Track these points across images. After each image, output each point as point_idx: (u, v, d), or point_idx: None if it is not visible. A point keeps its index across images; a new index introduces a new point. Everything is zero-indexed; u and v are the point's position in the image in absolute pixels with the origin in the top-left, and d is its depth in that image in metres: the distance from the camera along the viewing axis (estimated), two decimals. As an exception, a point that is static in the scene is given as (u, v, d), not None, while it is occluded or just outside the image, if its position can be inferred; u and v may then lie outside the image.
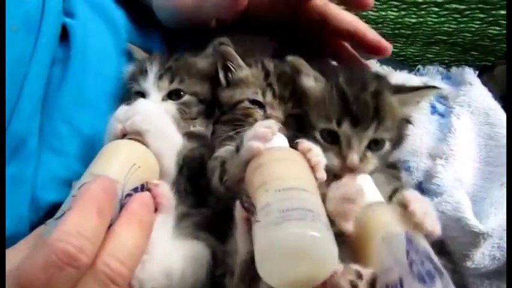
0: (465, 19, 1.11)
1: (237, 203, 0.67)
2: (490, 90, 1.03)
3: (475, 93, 1.01)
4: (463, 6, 1.11)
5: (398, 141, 0.87)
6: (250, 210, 0.63)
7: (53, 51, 0.97)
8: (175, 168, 0.82)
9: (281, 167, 0.68)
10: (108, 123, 0.84)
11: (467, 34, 1.12)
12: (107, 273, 0.57)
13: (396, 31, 1.14)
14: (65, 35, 0.99)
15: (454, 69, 1.08)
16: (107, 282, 0.57)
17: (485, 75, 1.04)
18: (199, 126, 0.93)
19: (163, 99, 0.93)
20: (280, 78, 0.92)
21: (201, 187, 0.83)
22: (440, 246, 0.81)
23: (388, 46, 0.92)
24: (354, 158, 0.78)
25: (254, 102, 0.90)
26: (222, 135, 0.87)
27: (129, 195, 0.71)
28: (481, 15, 1.11)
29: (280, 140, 0.74)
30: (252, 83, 0.92)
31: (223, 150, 0.82)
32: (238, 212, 0.66)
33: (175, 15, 1.02)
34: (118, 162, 0.74)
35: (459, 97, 1.01)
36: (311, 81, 0.87)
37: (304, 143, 0.72)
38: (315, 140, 0.79)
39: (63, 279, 0.53)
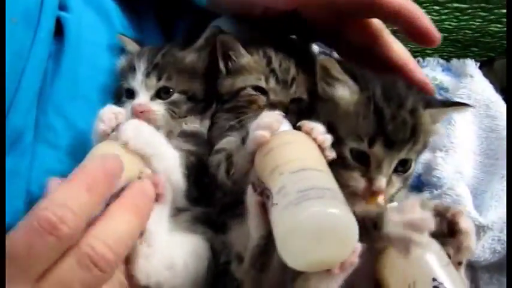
0: (466, 17, 1.12)
1: (249, 188, 0.66)
2: (490, 83, 1.03)
3: (475, 85, 1.01)
4: (464, 5, 1.11)
5: None
6: (264, 194, 0.63)
7: (49, 45, 0.97)
8: (184, 179, 0.81)
9: (291, 149, 0.67)
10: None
11: (468, 31, 1.12)
12: (90, 255, 0.56)
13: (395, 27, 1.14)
14: (57, 29, 0.99)
15: (454, 61, 1.07)
16: (88, 264, 0.56)
17: (484, 68, 1.04)
18: (190, 123, 0.93)
19: (151, 99, 0.91)
20: (282, 64, 0.91)
21: (206, 186, 0.83)
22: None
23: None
24: (382, 182, 0.72)
25: (257, 88, 0.88)
26: (225, 125, 0.87)
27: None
28: (483, 14, 1.11)
29: (285, 126, 0.73)
30: (254, 69, 0.90)
31: (226, 142, 0.81)
32: (251, 196, 0.65)
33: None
34: None
35: (459, 89, 1.01)
36: (345, 90, 0.77)
37: (306, 124, 0.71)
38: (343, 157, 0.73)
39: (43, 247, 0.53)
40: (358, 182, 0.72)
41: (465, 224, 0.66)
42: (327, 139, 0.69)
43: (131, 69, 0.94)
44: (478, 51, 1.10)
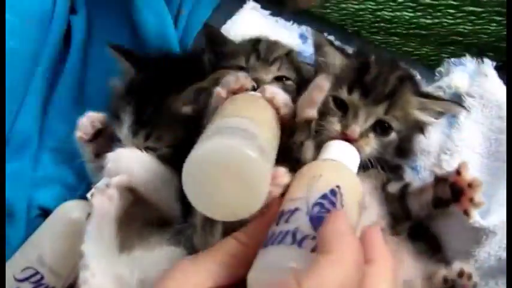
0: (481, 21, 1.10)
1: None
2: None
3: (489, 85, 0.98)
4: (480, 9, 1.10)
5: (404, 148, 0.87)
6: None
7: (58, 48, 0.99)
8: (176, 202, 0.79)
9: (235, 103, 0.67)
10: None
11: (483, 35, 1.10)
12: None
13: (411, 31, 1.14)
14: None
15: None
16: None
17: (500, 73, 1.00)
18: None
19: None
20: (269, 46, 0.93)
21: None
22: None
23: None
24: (355, 128, 0.79)
25: (237, 69, 0.88)
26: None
27: None
28: (498, 18, 1.10)
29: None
30: (237, 53, 0.93)
31: None
32: None
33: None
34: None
35: (472, 87, 0.98)
36: (333, 57, 0.89)
37: (264, 86, 0.71)
38: (326, 105, 0.82)
39: None
40: (335, 125, 0.80)
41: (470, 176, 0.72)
42: (279, 97, 0.69)
43: (117, 115, 0.87)
44: (493, 56, 1.07)
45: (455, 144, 0.94)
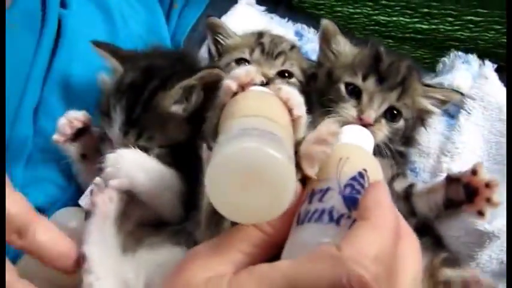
0: (479, 29, 1.10)
1: (204, 145, 0.63)
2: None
3: (489, 87, 0.98)
4: (478, 18, 1.10)
5: (409, 136, 0.90)
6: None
7: (51, 47, 0.96)
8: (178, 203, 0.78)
9: (252, 100, 0.64)
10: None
11: (480, 42, 1.10)
12: None
13: (406, 35, 1.13)
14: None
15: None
16: None
17: (500, 73, 1.02)
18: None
19: None
20: (274, 40, 0.93)
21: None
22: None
23: None
24: (371, 113, 0.83)
25: (240, 61, 0.91)
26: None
27: None
28: (497, 27, 1.10)
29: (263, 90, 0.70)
30: (240, 46, 0.93)
31: None
32: (204, 152, 0.63)
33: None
34: None
35: (473, 89, 0.98)
36: (346, 46, 0.94)
37: (277, 85, 0.68)
38: (337, 92, 0.87)
39: None
40: (350, 111, 0.84)
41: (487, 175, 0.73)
42: (293, 97, 0.65)
43: (107, 115, 0.83)
44: (492, 60, 1.08)
45: (455, 147, 0.94)
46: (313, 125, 0.66)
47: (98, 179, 0.75)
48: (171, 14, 1.12)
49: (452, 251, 0.81)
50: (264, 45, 0.93)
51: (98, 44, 0.88)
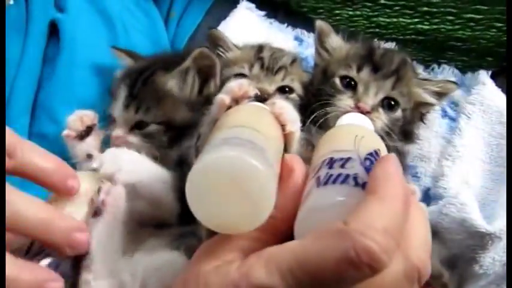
0: (480, 27, 1.09)
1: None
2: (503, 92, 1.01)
3: (488, 92, 0.99)
4: (479, 16, 1.09)
5: (408, 131, 0.91)
6: None
7: (41, 49, 0.97)
8: (177, 203, 0.78)
9: (242, 113, 0.65)
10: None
11: (482, 41, 1.09)
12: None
13: (407, 36, 1.13)
14: (56, 32, 1.00)
15: (469, 74, 1.07)
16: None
17: (499, 78, 1.03)
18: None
19: (130, 130, 0.90)
20: (274, 54, 0.93)
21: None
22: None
23: None
24: (367, 101, 0.86)
25: (239, 76, 0.90)
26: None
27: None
28: (498, 24, 1.09)
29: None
30: (240, 60, 0.94)
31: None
32: None
33: None
34: None
35: (471, 95, 1.00)
36: (339, 42, 0.97)
37: (275, 99, 0.69)
38: (332, 87, 0.89)
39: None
40: (347, 101, 0.86)
41: None
42: (287, 113, 0.66)
43: (113, 96, 0.92)
44: (492, 61, 1.07)
45: (456, 150, 0.94)
46: (308, 142, 0.67)
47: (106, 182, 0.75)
48: (169, 23, 1.13)
49: (454, 255, 0.81)
50: (263, 60, 0.93)
51: (116, 48, 0.98)
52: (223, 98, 0.66)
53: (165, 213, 0.78)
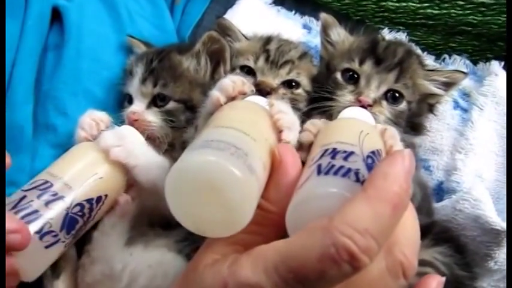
0: (491, 12, 1.09)
1: None
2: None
3: (500, 83, 0.99)
4: (490, 1, 1.09)
5: (416, 123, 0.91)
6: None
7: (42, 34, 0.96)
8: None
9: (234, 112, 0.65)
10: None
11: (493, 26, 1.09)
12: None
13: (417, 21, 1.13)
14: (59, 19, 0.98)
15: (481, 64, 1.07)
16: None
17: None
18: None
19: (148, 107, 0.90)
20: (282, 46, 0.93)
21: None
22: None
23: None
24: (369, 94, 0.86)
25: (244, 68, 0.91)
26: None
27: (79, 204, 0.72)
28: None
29: (257, 101, 0.71)
30: (246, 52, 0.94)
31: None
32: None
33: None
34: (77, 168, 0.75)
35: (483, 87, 1.00)
36: (341, 35, 0.97)
37: (274, 100, 0.69)
38: (334, 82, 0.90)
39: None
40: (347, 96, 0.86)
41: None
42: (285, 119, 0.65)
43: (130, 73, 0.93)
44: (503, 46, 1.07)
45: (469, 143, 0.95)
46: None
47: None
48: (174, 10, 1.12)
49: (469, 252, 0.83)
50: (269, 53, 0.92)
51: (132, 36, 1.01)
52: (218, 97, 0.67)
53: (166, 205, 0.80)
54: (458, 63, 1.08)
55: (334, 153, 0.57)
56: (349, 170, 0.54)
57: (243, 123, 0.60)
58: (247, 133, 0.58)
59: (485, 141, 0.95)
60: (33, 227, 0.67)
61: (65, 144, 0.88)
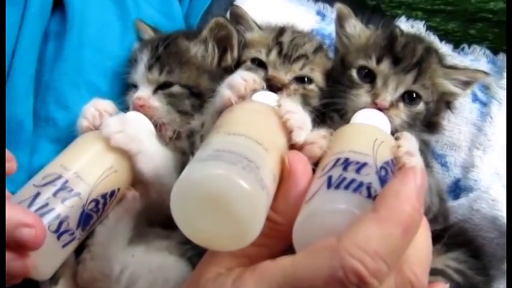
0: (513, -1, 1.07)
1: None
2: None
3: None
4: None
5: (432, 122, 0.90)
6: None
7: (43, 22, 0.94)
8: None
9: (244, 114, 0.65)
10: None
11: (514, 13, 1.07)
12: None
13: (435, 6, 1.10)
14: (61, 6, 0.96)
15: (501, 55, 1.05)
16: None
17: None
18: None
19: (154, 93, 0.90)
20: (295, 39, 0.92)
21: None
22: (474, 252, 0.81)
23: None
24: (386, 97, 0.83)
25: (255, 61, 0.90)
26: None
27: (94, 200, 0.72)
28: (533, -3, 1.06)
29: (267, 98, 0.71)
30: (258, 43, 0.92)
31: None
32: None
33: None
34: (88, 160, 0.76)
35: (503, 79, 0.98)
36: (357, 28, 0.94)
37: (282, 99, 0.68)
38: (349, 80, 0.87)
39: None
40: (363, 97, 0.84)
41: None
42: (295, 119, 0.65)
43: (134, 61, 0.93)
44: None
45: (488, 139, 0.93)
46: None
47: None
48: (182, -3, 1.10)
49: (485, 254, 0.82)
50: (282, 46, 0.90)
51: (141, 21, 1.01)
52: (229, 96, 0.67)
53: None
54: (477, 53, 1.06)
55: (346, 163, 0.57)
56: (361, 184, 0.54)
57: (255, 130, 0.60)
58: (259, 142, 0.58)
59: (504, 137, 0.92)
60: (51, 227, 0.68)
61: (65, 139, 0.87)
